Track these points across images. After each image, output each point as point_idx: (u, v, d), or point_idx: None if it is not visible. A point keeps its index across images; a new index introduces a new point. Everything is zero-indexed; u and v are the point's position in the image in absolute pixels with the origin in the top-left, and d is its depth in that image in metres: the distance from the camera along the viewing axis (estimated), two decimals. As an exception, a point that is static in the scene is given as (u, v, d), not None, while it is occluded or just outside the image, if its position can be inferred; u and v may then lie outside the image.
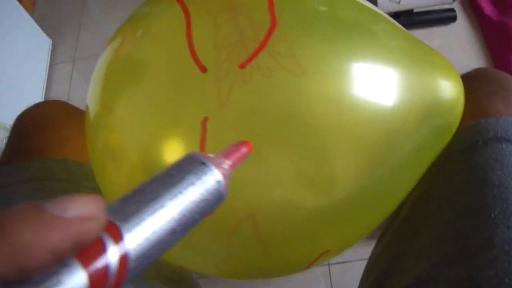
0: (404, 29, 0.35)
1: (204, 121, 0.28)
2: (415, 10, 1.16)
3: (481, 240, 0.30)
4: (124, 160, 0.32)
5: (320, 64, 0.28)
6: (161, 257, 0.39)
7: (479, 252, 0.30)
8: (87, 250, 0.13)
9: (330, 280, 0.91)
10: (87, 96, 0.35)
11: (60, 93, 1.30)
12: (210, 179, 0.17)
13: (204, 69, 0.28)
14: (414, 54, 0.33)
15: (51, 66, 1.36)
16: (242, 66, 0.28)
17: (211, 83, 0.28)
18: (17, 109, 0.48)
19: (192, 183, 0.17)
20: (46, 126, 0.43)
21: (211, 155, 0.18)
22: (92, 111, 0.34)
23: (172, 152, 0.29)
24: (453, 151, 0.35)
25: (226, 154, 0.19)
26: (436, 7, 1.17)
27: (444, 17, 1.17)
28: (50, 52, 1.38)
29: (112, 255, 0.14)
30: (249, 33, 0.29)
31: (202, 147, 0.27)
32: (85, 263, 0.13)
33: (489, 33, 1.14)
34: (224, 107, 0.28)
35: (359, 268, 0.78)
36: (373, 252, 0.43)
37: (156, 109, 0.30)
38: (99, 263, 0.13)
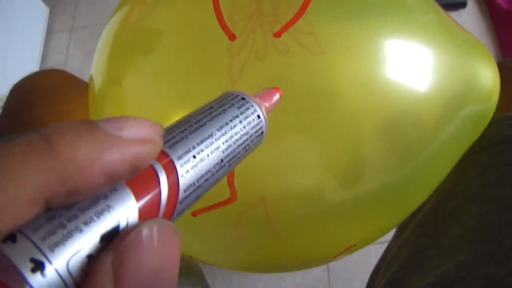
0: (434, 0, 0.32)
1: None
2: (425, -6, 1.13)
3: None
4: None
5: (342, 43, 0.26)
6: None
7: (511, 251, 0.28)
8: (137, 177, 0.12)
9: (327, 264, 0.90)
10: (92, 67, 0.33)
11: (56, 63, 1.27)
12: (252, 114, 0.17)
13: (233, 36, 0.26)
14: (450, 32, 0.30)
15: (48, 35, 1.32)
16: (278, 35, 0.26)
17: (228, 58, 0.26)
18: (12, 78, 0.46)
19: (236, 116, 0.16)
20: (47, 97, 0.40)
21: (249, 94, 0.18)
22: (97, 84, 0.32)
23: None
24: (487, 142, 0.33)
25: (261, 97, 0.19)
26: (447, -8, 1.14)
27: (454, 3, 1.15)
28: (47, 21, 1.34)
29: (163, 183, 0.13)
30: (267, 7, 0.27)
31: None
32: (136, 190, 0.12)
33: (499, 22, 1.11)
34: (235, 85, 0.26)
35: (358, 253, 0.77)
36: (390, 245, 0.41)
37: (171, 81, 0.27)
38: (150, 191, 0.12)
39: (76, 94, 0.42)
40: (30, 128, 0.38)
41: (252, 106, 0.17)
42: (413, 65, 0.27)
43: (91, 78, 0.33)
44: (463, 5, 1.15)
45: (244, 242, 0.30)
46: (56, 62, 1.27)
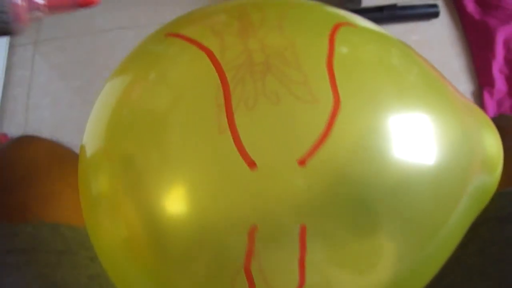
0: (410, 47, 0.30)
1: None
2: (398, 4, 1.14)
3: None
4: (122, 214, 0.27)
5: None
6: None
7: None
8: None
9: None
10: (84, 137, 0.30)
11: (21, 79, 1.21)
12: None
13: (253, 164, 0.24)
14: (444, 92, 0.29)
15: (11, 48, 1.25)
16: (302, 162, 0.23)
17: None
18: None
19: None
20: (29, 176, 0.36)
21: None
22: (90, 155, 0.29)
23: (180, 203, 0.25)
24: (489, 217, 0.32)
25: None
26: (420, 2, 1.15)
27: (426, 13, 1.16)
28: (9, 33, 1.27)
29: None
30: (259, 56, 0.25)
31: None
32: None
33: (471, 32, 1.14)
34: (223, 134, 0.24)
35: None
36: None
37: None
38: None
39: (59, 170, 0.38)
40: (17, 216, 0.34)
41: None
42: (419, 133, 0.25)
43: (82, 148, 0.30)
44: (435, 15, 1.16)
45: None
46: (21, 78, 1.21)
